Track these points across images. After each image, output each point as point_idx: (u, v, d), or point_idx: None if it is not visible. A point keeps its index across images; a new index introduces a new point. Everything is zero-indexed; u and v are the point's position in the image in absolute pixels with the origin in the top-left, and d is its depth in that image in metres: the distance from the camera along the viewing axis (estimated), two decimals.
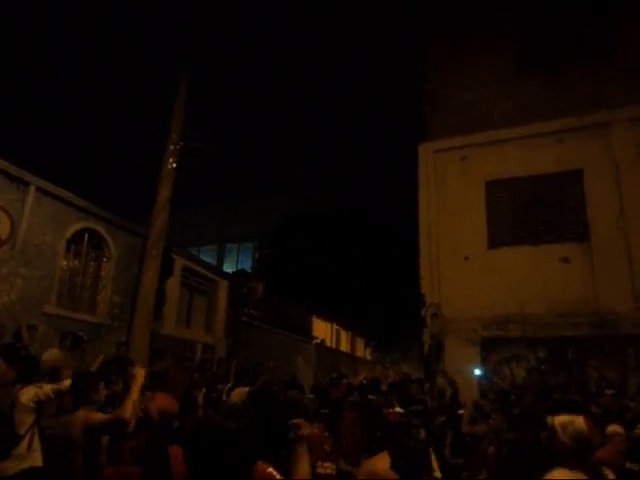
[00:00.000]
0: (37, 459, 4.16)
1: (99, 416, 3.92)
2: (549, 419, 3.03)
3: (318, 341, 21.39)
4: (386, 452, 3.43)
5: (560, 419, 2.94)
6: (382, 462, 3.40)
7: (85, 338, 6.95)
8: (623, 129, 9.59)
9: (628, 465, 4.25)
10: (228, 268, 24.37)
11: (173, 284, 12.16)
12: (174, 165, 10.92)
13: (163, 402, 4.09)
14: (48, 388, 4.34)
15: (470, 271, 10.20)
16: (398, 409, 6.24)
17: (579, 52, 10.29)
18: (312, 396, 7.43)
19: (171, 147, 10.94)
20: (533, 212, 10.10)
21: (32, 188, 8.62)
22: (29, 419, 4.17)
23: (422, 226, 10.89)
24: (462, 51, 11.46)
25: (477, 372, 7.77)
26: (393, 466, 3.21)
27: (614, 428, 4.57)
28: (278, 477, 2.54)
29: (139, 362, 8.18)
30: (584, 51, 10.26)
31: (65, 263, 9.47)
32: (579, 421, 2.92)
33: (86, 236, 9.89)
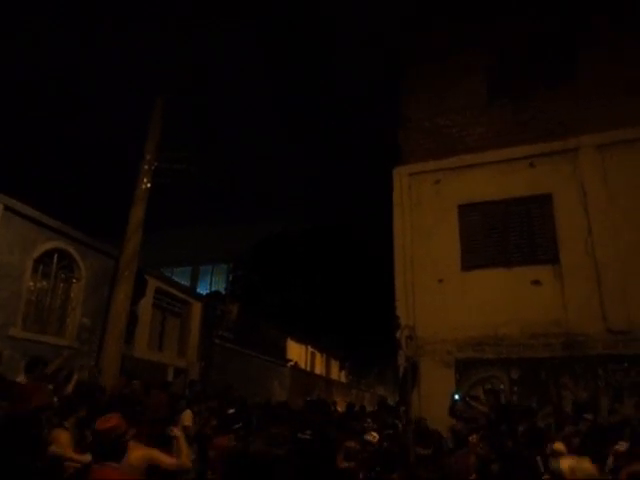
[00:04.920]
0: None
1: (168, 459, 3.90)
2: (554, 463, 3.04)
3: (292, 364, 21.17)
4: None
5: (567, 463, 2.96)
6: None
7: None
8: (590, 155, 9.90)
9: None
10: (202, 290, 24.05)
11: (145, 306, 11.92)
12: (148, 185, 10.79)
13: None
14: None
15: (444, 293, 10.28)
16: (374, 434, 6.22)
17: (547, 81, 10.66)
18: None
19: (145, 167, 10.83)
20: (505, 235, 10.28)
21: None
22: None
23: (397, 248, 10.96)
24: (436, 79, 11.75)
25: (456, 397, 7.72)
26: None
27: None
28: None
29: (109, 385, 7.94)
30: (552, 80, 10.63)
31: (32, 284, 9.19)
32: (586, 464, 2.95)
33: (55, 257, 9.64)
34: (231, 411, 7.20)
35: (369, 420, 8.28)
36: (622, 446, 4.58)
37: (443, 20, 11.98)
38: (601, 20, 10.48)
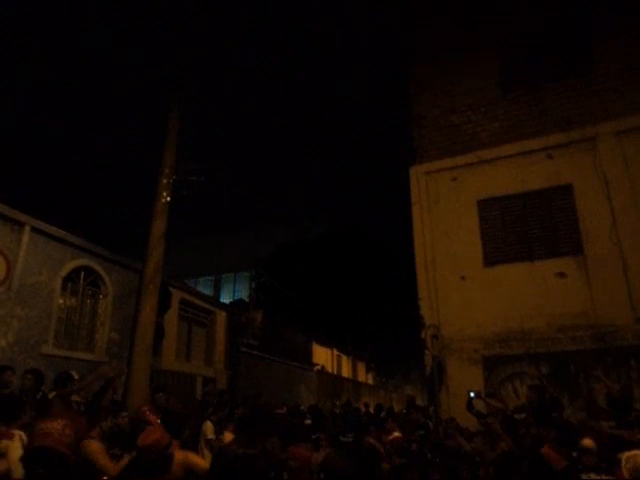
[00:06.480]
0: None
1: (201, 462, 3.95)
2: (620, 455, 3.10)
3: (319, 368, 21.18)
4: None
5: (628, 453, 3.01)
6: None
7: (75, 377, 6.74)
8: (609, 143, 9.75)
9: None
10: (225, 298, 24.26)
11: (171, 318, 12.08)
12: (168, 199, 10.93)
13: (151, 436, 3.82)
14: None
15: (468, 290, 10.21)
16: (397, 434, 6.24)
17: (562, 70, 10.53)
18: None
19: (164, 181, 10.98)
20: (526, 229, 10.17)
21: (27, 228, 8.61)
22: None
23: (417, 248, 10.93)
24: (448, 74, 11.70)
25: (471, 394, 7.67)
26: None
27: None
28: None
29: (139, 399, 8.08)
30: (567, 69, 10.50)
31: (62, 302, 9.40)
32: None
33: (82, 274, 9.85)
34: (308, 421, 7.20)
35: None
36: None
37: (449, 19, 11.93)
38: (617, 4, 10.31)
